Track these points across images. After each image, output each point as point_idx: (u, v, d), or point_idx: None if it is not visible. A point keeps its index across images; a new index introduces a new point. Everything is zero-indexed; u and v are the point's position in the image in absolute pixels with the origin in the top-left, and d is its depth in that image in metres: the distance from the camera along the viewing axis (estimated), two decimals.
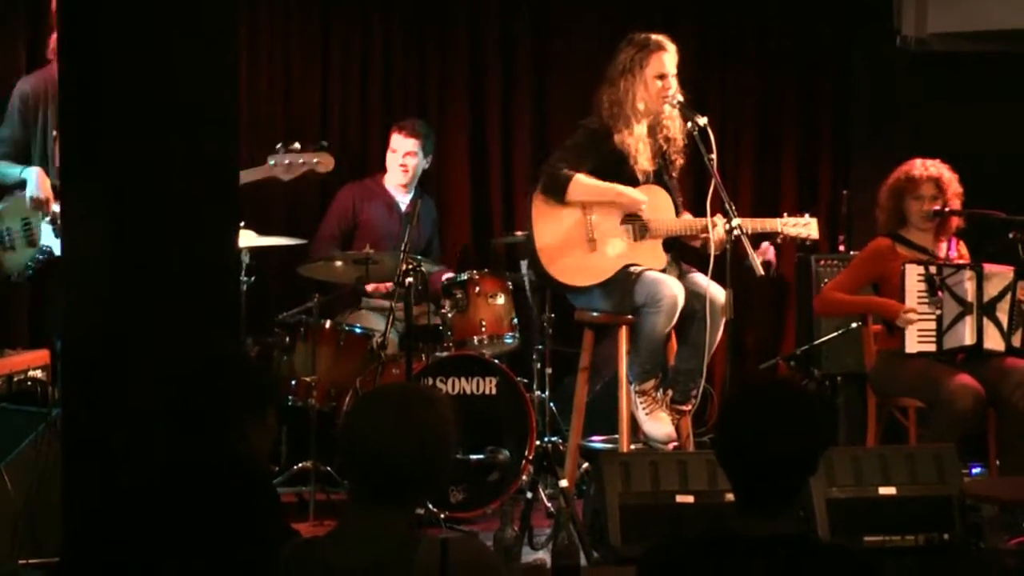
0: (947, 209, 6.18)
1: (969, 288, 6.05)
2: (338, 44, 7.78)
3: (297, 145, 6.19)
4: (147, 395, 3.83)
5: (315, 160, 6.21)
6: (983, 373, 5.95)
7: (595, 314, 6.01)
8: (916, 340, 6.05)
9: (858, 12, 8.18)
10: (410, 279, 6.10)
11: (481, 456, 6.31)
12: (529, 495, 5.70)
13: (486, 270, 6.87)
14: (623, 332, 5.92)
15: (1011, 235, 5.98)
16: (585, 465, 6.48)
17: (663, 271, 5.90)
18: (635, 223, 5.94)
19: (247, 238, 6.30)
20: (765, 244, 6.32)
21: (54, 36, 5.68)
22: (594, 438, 6.88)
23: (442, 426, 2.95)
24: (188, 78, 4.10)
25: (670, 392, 5.93)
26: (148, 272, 4.03)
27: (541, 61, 8.04)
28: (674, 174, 6.11)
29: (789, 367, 7.45)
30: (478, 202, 7.98)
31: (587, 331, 6.12)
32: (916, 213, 6.20)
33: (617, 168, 5.94)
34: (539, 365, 6.80)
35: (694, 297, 5.83)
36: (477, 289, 6.65)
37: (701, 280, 5.88)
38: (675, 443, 5.87)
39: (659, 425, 5.86)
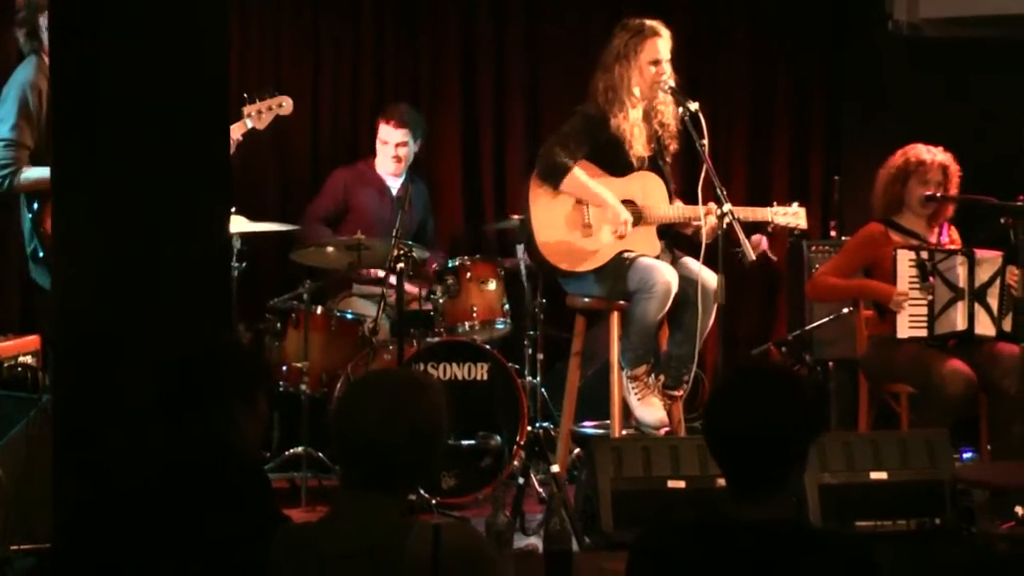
0: (940, 195, 6.18)
1: (961, 273, 6.05)
2: (329, 29, 7.76)
3: (256, 96, 6.32)
4: (138, 382, 3.82)
5: (280, 104, 6.30)
6: (974, 358, 5.96)
7: (587, 300, 6.01)
8: (907, 325, 6.06)
9: None
10: (401, 264, 6.09)
11: (473, 442, 6.31)
12: (521, 481, 5.70)
13: (478, 256, 6.87)
14: (615, 318, 5.92)
15: (1003, 220, 5.98)
16: (577, 451, 6.47)
17: (657, 258, 5.90)
18: (630, 209, 5.94)
19: (239, 224, 6.29)
20: (756, 236, 6.31)
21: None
22: (586, 424, 6.87)
23: (434, 412, 2.95)
24: (179, 69, 4.09)
25: (662, 377, 5.94)
26: (139, 258, 4.02)
27: (533, 47, 8.02)
28: (668, 159, 6.11)
29: (781, 353, 7.46)
30: (470, 188, 7.96)
31: (579, 317, 6.13)
32: (917, 198, 6.20)
33: (613, 153, 5.94)
34: (531, 351, 6.80)
35: (686, 283, 5.84)
36: (469, 275, 6.64)
37: (693, 266, 5.89)
38: (667, 428, 5.88)
39: (651, 410, 5.87)
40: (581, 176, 5.90)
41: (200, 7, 4.16)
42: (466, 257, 6.78)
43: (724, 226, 5.59)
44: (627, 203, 5.94)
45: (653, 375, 5.93)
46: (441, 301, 6.63)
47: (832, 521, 5.08)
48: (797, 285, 7.38)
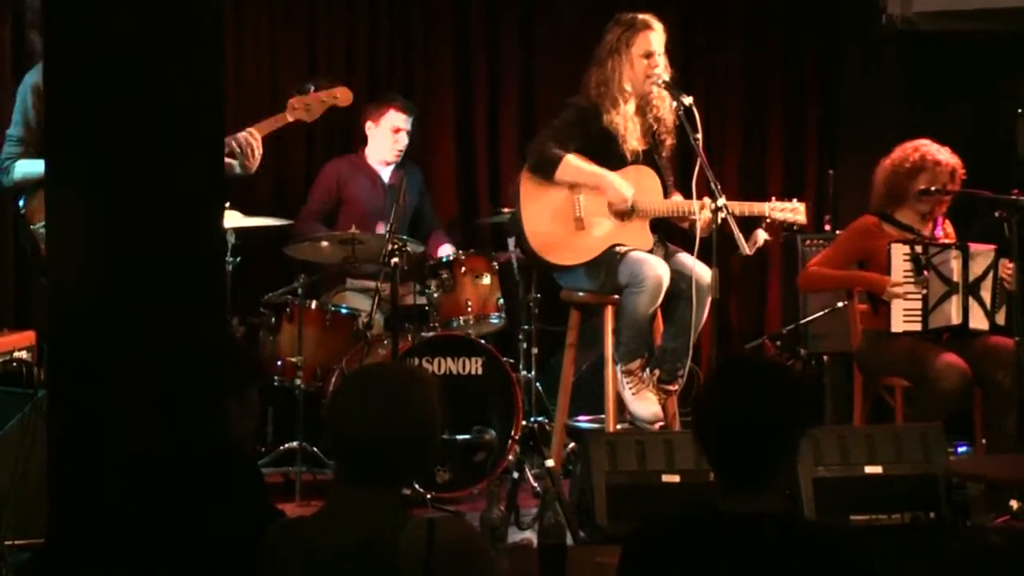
0: (934, 189, 6.18)
1: (955, 267, 6.06)
2: (324, 22, 7.76)
3: (311, 86, 6.20)
4: (132, 377, 3.82)
5: (335, 95, 6.23)
6: (968, 352, 5.97)
7: (581, 294, 6.01)
8: (902, 319, 6.07)
9: None
10: (396, 259, 6.09)
11: (467, 436, 6.31)
12: (515, 475, 5.69)
13: (472, 250, 6.88)
14: (609, 312, 5.92)
15: (997, 214, 5.98)
16: (571, 445, 6.48)
17: (649, 252, 5.90)
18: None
19: (233, 219, 6.29)
20: (756, 231, 6.30)
21: None
22: (580, 418, 6.89)
23: (428, 406, 2.95)
24: (174, 64, 4.09)
25: (657, 372, 5.94)
26: (133, 253, 4.02)
27: (527, 38, 8.03)
28: (664, 154, 6.10)
29: (775, 346, 7.46)
30: (464, 181, 7.96)
31: (573, 311, 6.12)
32: (908, 201, 6.21)
33: (605, 147, 5.94)
34: (525, 345, 6.80)
35: (680, 277, 5.83)
36: (463, 269, 6.64)
37: (687, 260, 5.88)
38: (661, 423, 5.88)
39: (645, 405, 5.86)
40: (575, 161, 5.89)
41: (195, 11, 4.16)
42: (460, 251, 6.78)
43: (719, 220, 5.59)
44: None
45: (648, 369, 5.93)
46: (435, 295, 6.63)
47: (827, 515, 5.09)
48: (791, 279, 7.38)
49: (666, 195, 6.04)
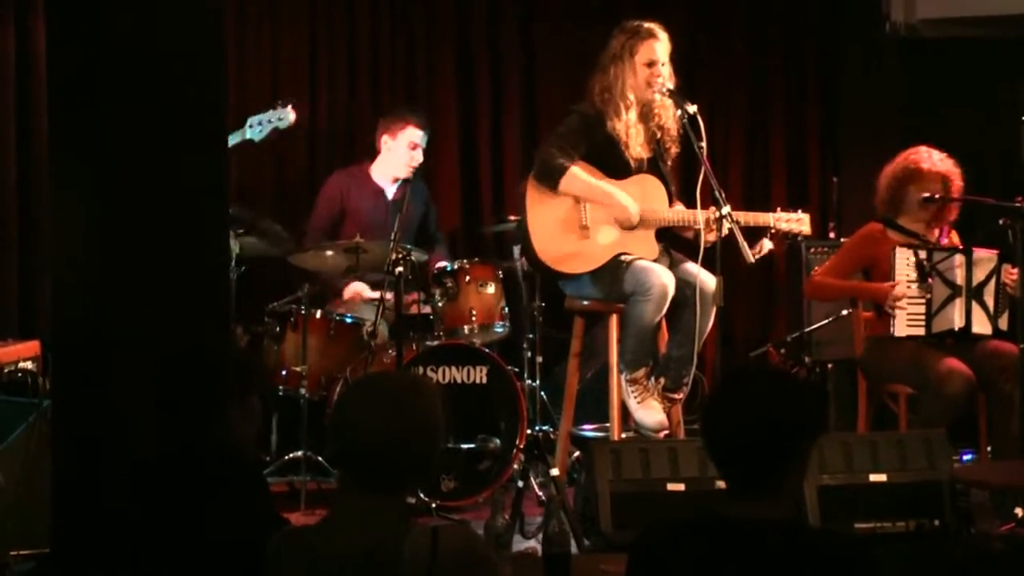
0: (938, 196, 6.19)
1: (959, 272, 6.07)
2: (326, 33, 7.77)
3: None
4: (137, 386, 3.83)
5: (278, 116, 6.32)
6: (972, 357, 5.97)
7: (585, 302, 6.01)
8: (905, 323, 6.08)
9: None
10: (400, 268, 6.09)
11: (472, 445, 6.31)
12: (520, 483, 5.69)
13: (476, 258, 6.86)
14: (614, 320, 5.92)
15: (1001, 222, 5.99)
16: (576, 453, 6.47)
17: (655, 260, 5.90)
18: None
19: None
20: (762, 240, 6.30)
21: None
22: (585, 426, 6.88)
23: (432, 415, 2.95)
24: (176, 65, 4.10)
25: (662, 380, 5.93)
26: (138, 262, 4.03)
27: (530, 48, 8.03)
28: (668, 162, 6.10)
29: (779, 354, 7.46)
30: (468, 190, 7.97)
31: (578, 319, 6.12)
32: (915, 202, 6.21)
33: (609, 154, 5.94)
34: (529, 354, 6.79)
35: (685, 285, 5.83)
36: (467, 278, 6.64)
37: (691, 268, 5.89)
38: (666, 431, 5.87)
39: (650, 413, 5.86)
40: (581, 174, 5.90)
41: (197, 13, 4.17)
42: (464, 260, 6.77)
43: (723, 229, 5.59)
44: None
45: (652, 378, 5.93)
46: (440, 304, 6.63)
47: (831, 522, 5.08)
48: (795, 287, 7.38)
49: (670, 204, 6.04)
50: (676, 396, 5.96)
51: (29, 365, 5.68)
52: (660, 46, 5.96)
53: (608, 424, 6.01)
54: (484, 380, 6.42)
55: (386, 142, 7.17)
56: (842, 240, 7.10)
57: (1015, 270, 6.02)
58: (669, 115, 5.98)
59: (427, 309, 6.73)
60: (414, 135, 7.13)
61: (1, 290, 7.06)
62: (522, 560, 4.87)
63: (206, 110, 4.18)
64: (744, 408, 2.83)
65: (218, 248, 4.34)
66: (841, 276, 6.30)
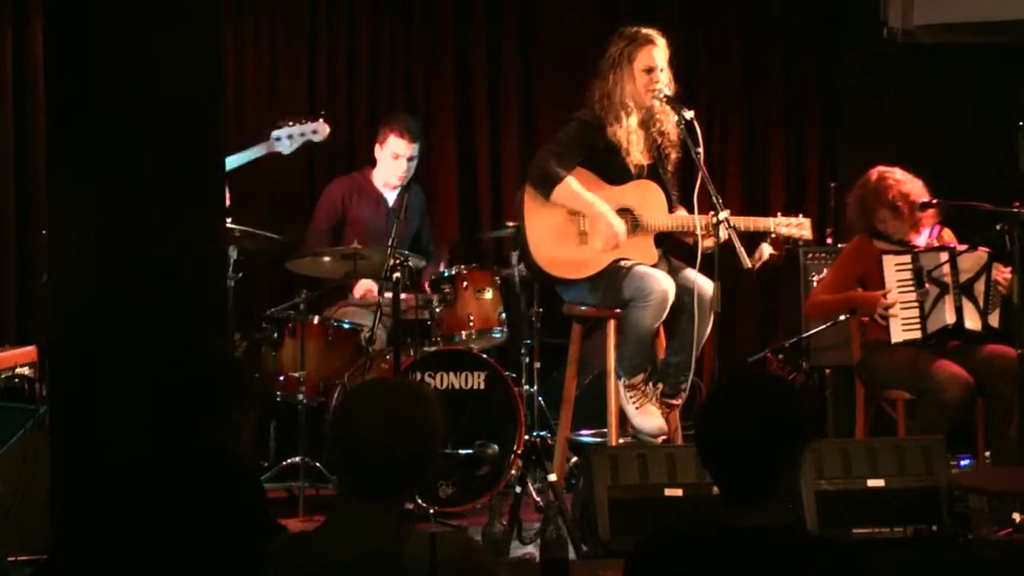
0: (934, 201, 6.21)
1: (945, 269, 6.09)
2: (325, 39, 7.77)
3: (290, 122, 6.33)
4: (135, 392, 3.83)
5: (312, 129, 6.27)
6: (970, 362, 5.98)
7: (583, 308, 6.01)
8: (901, 328, 6.09)
9: (844, 3, 8.19)
10: (397, 274, 6.09)
11: (470, 451, 6.31)
12: (518, 489, 5.70)
13: (474, 264, 6.87)
14: (612, 326, 5.92)
15: (999, 227, 5.99)
16: (574, 459, 6.48)
17: (654, 266, 5.90)
18: (627, 218, 5.94)
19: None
20: (762, 246, 6.30)
21: None
22: (583, 432, 6.88)
23: (430, 421, 2.95)
24: (174, 78, 4.10)
25: (660, 386, 5.93)
26: (135, 270, 4.03)
27: (528, 55, 8.03)
28: (669, 168, 6.10)
29: (777, 360, 7.46)
30: (466, 196, 7.96)
31: (576, 325, 6.12)
32: (887, 213, 6.24)
33: (610, 161, 5.94)
34: (527, 359, 6.80)
35: (683, 291, 5.83)
36: (465, 284, 6.64)
37: (689, 274, 5.88)
38: (665, 436, 5.88)
39: (649, 419, 5.86)
40: (574, 185, 5.89)
41: (193, 14, 4.17)
42: (462, 266, 6.77)
43: (721, 234, 5.58)
44: (624, 211, 5.94)
45: (651, 383, 5.93)
46: (438, 310, 6.63)
47: (829, 528, 5.08)
48: (793, 292, 7.38)
49: (671, 210, 6.04)
50: (674, 402, 5.97)
51: (26, 371, 5.68)
52: (658, 52, 5.96)
53: (606, 429, 6.01)
54: (482, 386, 6.42)
55: (377, 151, 7.18)
56: (840, 246, 7.11)
57: (1007, 269, 6.03)
58: (669, 121, 5.98)
59: (425, 315, 6.73)
60: (395, 145, 7.11)
61: None
62: (520, 566, 4.88)
63: (203, 117, 4.18)
64: (736, 415, 2.84)
65: (215, 254, 4.34)
66: (838, 291, 6.31)
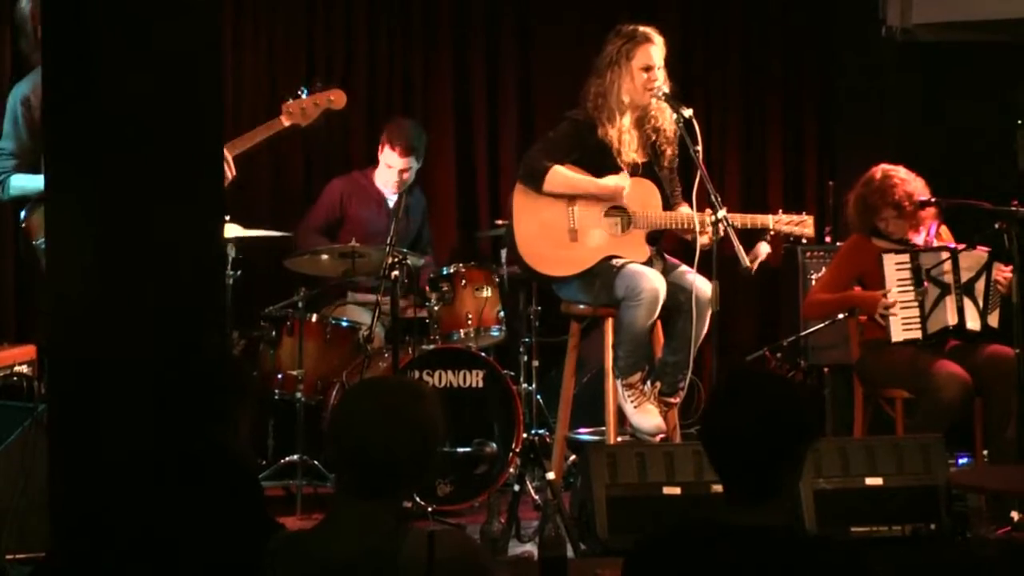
0: (934, 199, 6.21)
1: (947, 269, 6.09)
2: (322, 39, 7.76)
3: (304, 90, 6.19)
4: (133, 390, 3.82)
5: (330, 98, 6.21)
6: (969, 362, 5.98)
7: (581, 306, 6.01)
8: (901, 328, 6.09)
9: (843, 1, 8.19)
10: (396, 272, 6.09)
11: (468, 449, 6.31)
12: (516, 488, 5.69)
13: (472, 263, 6.87)
14: (609, 324, 5.92)
15: (997, 226, 5.99)
16: (572, 457, 6.48)
17: (647, 263, 5.89)
18: (620, 216, 5.95)
19: (233, 231, 6.29)
20: (759, 244, 6.29)
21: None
22: (581, 430, 6.88)
23: (429, 419, 2.95)
24: (172, 72, 4.09)
25: (658, 384, 5.93)
26: (133, 267, 4.02)
27: (527, 54, 8.03)
28: (666, 164, 6.10)
29: (776, 358, 7.45)
30: (464, 195, 7.96)
31: (573, 323, 6.12)
32: (889, 212, 6.23)
33: (602, 160, 5.94)
34: (526, 358, 6.80)
35: (680, 290, 5.83)
36: (463, 282, 6.64)
37: (687, 273, 5.89)
38: (663, 435, 5.87)
39: (647, 417, 5.86)
40: (563, 171, 5.90)
41: (193, 15, 4.16)
42: (461, 264, 6.77)
43: (719, 232, 5.58)
44: (617, 208, 5.95)
45: (649, 382, 5.93)
46: (436, 308, 6.63)
47: (828, 527, 5.08)
48: (792, 290, 7.38)
49: (670, 206, 6.03)
50: (672, 400, 5.96)
51: (25, 369, 5.67)
52: (656, 50, 5.96)
53: (604, 428, 6.01)
54: (480, 384, 6.42)
55: (378, 153, 7.18)
56: (838, 244, 7.11)
57: (1007, 268, 6.03)
58: (665, 118, 5.98)
59: (423, 313, 6.73)
60: (388, 157, 7.13)
61: None
62: (518, 564, 4.88)
63: (203, 115, 4.17)
64: (742, 413, 2.83)
65: (214, 254, 4.33)
66: (837, 291, 6.30)
